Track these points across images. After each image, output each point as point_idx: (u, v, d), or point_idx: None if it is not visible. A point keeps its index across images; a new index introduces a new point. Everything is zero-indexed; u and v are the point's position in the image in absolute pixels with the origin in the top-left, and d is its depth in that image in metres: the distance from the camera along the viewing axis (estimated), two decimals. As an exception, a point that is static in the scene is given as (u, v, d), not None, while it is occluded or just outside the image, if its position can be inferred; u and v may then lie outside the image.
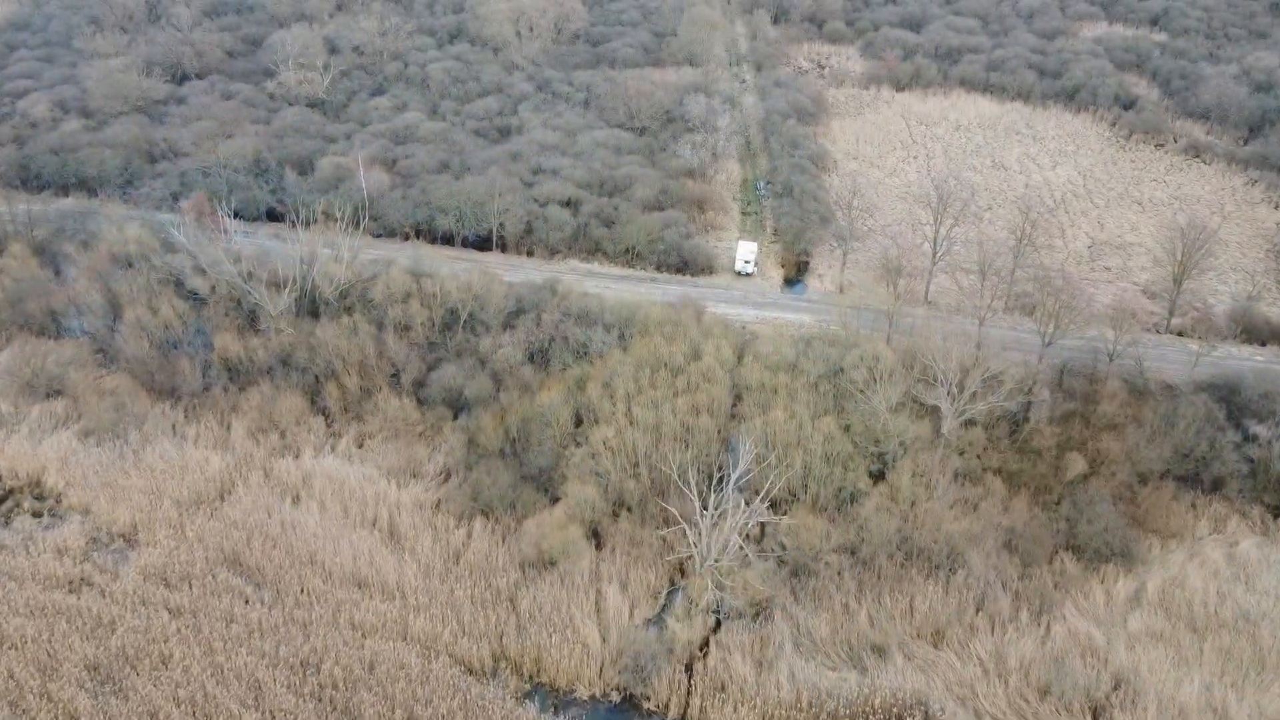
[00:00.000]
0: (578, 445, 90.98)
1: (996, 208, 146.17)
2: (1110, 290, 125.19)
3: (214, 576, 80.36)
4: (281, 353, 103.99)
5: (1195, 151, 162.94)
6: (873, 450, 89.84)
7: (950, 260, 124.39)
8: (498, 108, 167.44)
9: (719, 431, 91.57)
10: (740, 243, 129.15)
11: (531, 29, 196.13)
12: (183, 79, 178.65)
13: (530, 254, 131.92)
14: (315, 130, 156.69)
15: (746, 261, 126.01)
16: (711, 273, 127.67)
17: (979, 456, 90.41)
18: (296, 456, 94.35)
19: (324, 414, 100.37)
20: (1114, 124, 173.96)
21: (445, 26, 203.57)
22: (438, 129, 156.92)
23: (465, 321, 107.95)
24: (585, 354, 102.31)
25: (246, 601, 78.57)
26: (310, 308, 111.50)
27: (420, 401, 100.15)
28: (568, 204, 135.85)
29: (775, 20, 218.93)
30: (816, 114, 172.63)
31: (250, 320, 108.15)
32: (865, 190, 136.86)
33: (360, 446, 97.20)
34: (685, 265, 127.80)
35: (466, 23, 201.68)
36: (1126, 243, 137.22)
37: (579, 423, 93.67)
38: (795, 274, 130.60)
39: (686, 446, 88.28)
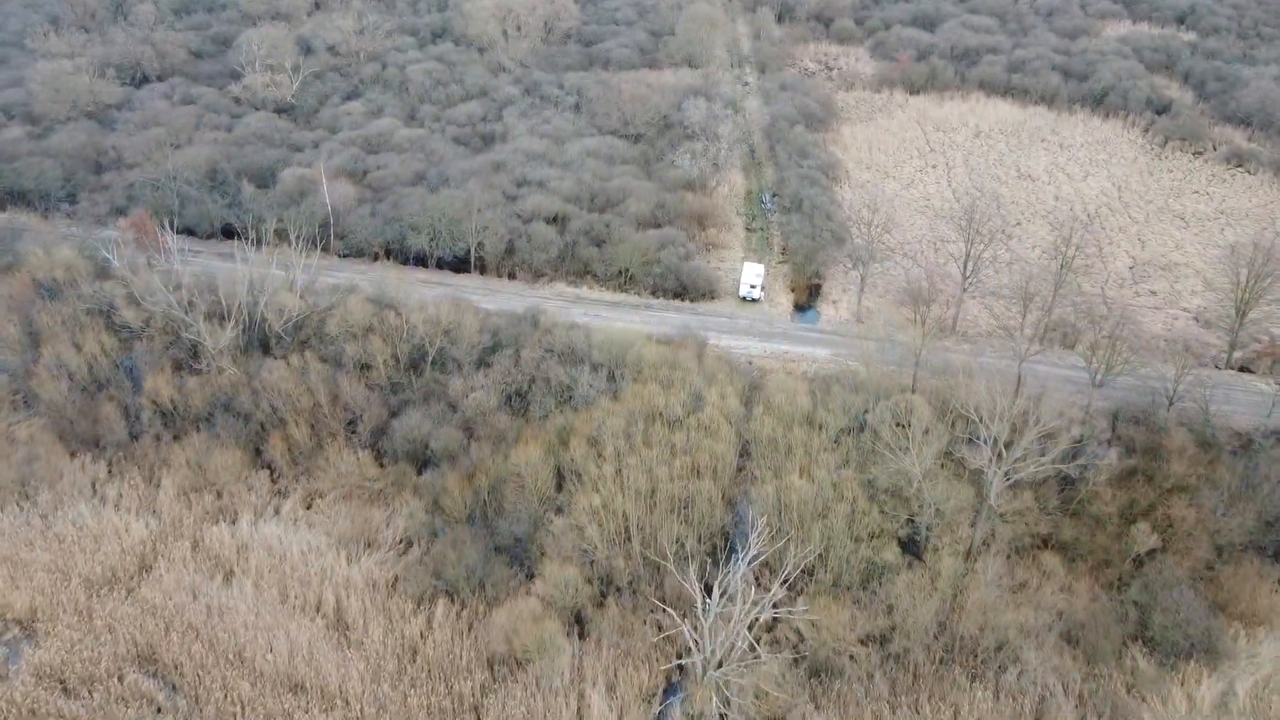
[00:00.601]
0: (559, 513, 77.81)
1: (1026, 223, 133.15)
2: (1159, 319, 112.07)
3: (121, 679, 67.28)
4: (222, 396, 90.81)
5: (1238, 160, 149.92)
6: (904, 516, 76.75)
7: (979, 284, 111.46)
8: (481, 113, 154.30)
9: (724, 495, 78.41)
10: (745, 265, 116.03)
11: (519, 28, 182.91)
12: (142, 81, 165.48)
13: (512, 276, 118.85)
14: (280, 138, 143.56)
15: (753, 286, 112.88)
16: (713, 298, 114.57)
17: (1028, 524, 77.17)
18: (233, 521, 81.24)
19: (269, 468, 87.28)
20: (1147, 130, 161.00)
21: (429, 25, 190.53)
22: (414, 136, 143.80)
23: (434, 359, 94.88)
24: (569, 398, 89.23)
25: (159, 710, 65.54)
26: (261, 342, 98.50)
27: (380, 454, 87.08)
28: (554, 220, 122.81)
29: (779, 18, 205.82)
30: (825, 119, 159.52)
31: (191, 357, 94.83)
32: (881, 204, 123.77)
33: (308, 508, 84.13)
34: (684, 290, 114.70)
35: (452, 21, 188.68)
36: (1172, 263, 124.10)
37: (560, 484, 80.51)
38: (806, 299, 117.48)
39: (686, 516, 75.25)
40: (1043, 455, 75.73)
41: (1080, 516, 79.19)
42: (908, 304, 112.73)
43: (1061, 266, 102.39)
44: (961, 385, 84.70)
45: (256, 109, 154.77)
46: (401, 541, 79.83)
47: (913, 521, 77.54)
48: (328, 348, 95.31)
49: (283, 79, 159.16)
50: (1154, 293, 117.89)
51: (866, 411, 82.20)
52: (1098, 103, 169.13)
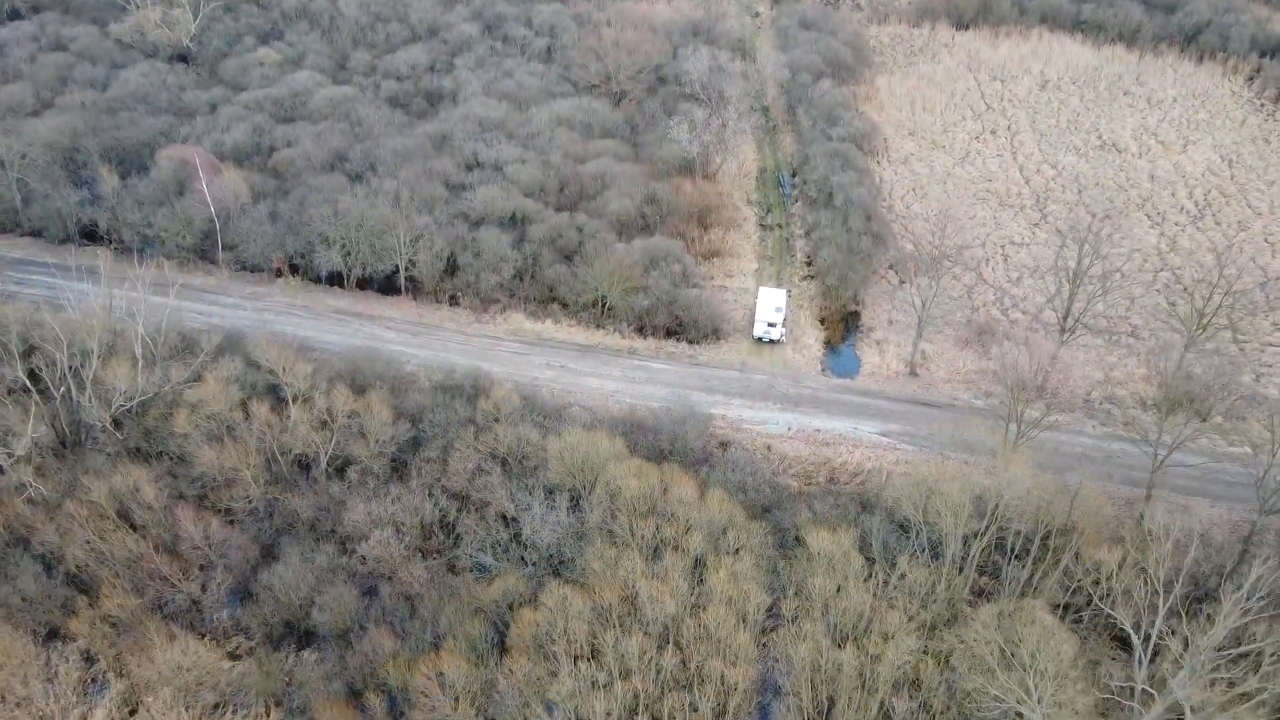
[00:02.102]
0: (489, 764, 51.49)
1: (1117, 216, 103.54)
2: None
3: None
4: (20, 530, 63.59)
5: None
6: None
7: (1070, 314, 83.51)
8: (427, 60, 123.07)
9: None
10: (761, 291, 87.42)
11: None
12: (11, 16, 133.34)
13: (454, 302, 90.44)
14: (168, 99, 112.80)
15: (771, 325, 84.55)
16: (719, 337, 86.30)
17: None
18: (12, 750, 55.02)
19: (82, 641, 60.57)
20: (1252, 79, 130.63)
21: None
22: (339, 97, 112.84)
23: (329, 464, 67.41)
24: (517, 537, 62.17)
25: None
26: (97, 428, 70.80)
27: (241, 625, 60.43)
28: (511, 221, 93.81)
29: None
30: (856, 68, 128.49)
31: (-18, 463, 67.37)
32: (929, 185, 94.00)
33: (133, 713, 57.69)
34: (680, 326, 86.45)
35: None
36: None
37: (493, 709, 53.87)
38: (841, 334, 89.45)
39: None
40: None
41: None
42: (973, 344, 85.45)
43: (1200, 321, 74.01)
44: (1089, 534, 57.83)
45: (148, 55, 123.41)
46: (259, 788, 53.77)
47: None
48: (177, 446, 67.66)
49: (180, 15, 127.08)
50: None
51: (952, 615, 54.59)
52: (1189, 41, 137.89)
